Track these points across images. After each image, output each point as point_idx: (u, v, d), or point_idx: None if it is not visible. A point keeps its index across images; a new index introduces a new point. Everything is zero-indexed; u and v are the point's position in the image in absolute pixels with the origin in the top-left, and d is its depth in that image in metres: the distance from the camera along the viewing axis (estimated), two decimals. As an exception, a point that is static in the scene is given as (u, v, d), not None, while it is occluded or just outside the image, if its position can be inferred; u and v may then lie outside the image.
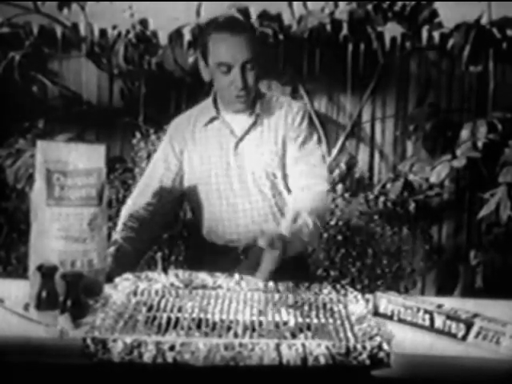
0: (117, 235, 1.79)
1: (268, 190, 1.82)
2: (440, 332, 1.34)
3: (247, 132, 1.83)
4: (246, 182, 1.82)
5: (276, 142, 1.82)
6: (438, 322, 1.35)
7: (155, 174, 1.90)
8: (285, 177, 1.84)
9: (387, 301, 1.43)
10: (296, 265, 1.83)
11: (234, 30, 1.73)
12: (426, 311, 1.37)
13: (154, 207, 1.86)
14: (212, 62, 1.75)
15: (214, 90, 1.87)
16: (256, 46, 1.75)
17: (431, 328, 1.35)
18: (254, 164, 1.82)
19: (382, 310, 1.44)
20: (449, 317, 1.33)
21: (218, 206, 1.84)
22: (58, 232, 1.43)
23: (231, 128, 1.84)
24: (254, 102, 1.83)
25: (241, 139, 1.83)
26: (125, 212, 1.85)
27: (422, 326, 1.37)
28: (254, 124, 1.83)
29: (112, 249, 1.71)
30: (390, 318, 1.41)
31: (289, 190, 1.84)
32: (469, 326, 1.30)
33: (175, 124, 1.93)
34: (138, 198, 1.88)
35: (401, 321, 1.40)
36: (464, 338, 1.30)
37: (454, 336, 1.31)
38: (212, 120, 1.85)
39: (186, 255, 2.90)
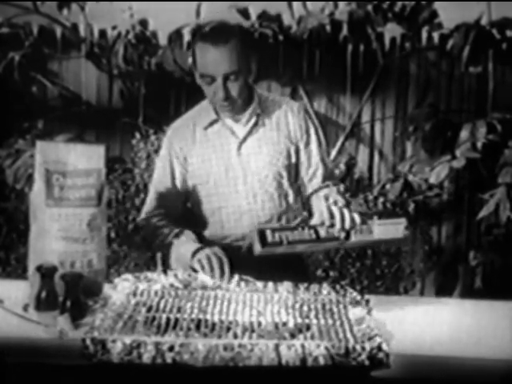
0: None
1: (274, 190, 1.84)
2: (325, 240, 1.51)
3: (250, 133, 1.83)
4: (252, 182, 1.82)
5: (279, 141, 1.84)
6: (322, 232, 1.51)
7: (160, 184, 1.89)
8: (289, 176, 1.85)
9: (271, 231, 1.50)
10: (295, 265, 1.84)
11: (217, 40, 1.69)
12: (310, 227, 1.51)
13: (163, 215, 1.86)
14: (198, 72, 1.75)
15: None
16: (241, 55, 1.71)
17: (318, 239, 1.50)
18: (260, 165, 1.83)
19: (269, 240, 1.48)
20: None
21: (220, 208, 1.84)
22: (58, 232, 1.43)
23: (233, 130, 1.83)
24: (247, 104, 1.82)
25: (243, 140, 1.83)
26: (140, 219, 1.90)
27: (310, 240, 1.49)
28: (256, 124, 1.83)
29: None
30: (280, 243, 1.48)
31: (296, 189, 1.89)
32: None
33: (173, 129, 1.91)
34: (147, 207, 1.89)
35: (290, 243, 1.48)
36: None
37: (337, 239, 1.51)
38: (212, 123, 1.84)
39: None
